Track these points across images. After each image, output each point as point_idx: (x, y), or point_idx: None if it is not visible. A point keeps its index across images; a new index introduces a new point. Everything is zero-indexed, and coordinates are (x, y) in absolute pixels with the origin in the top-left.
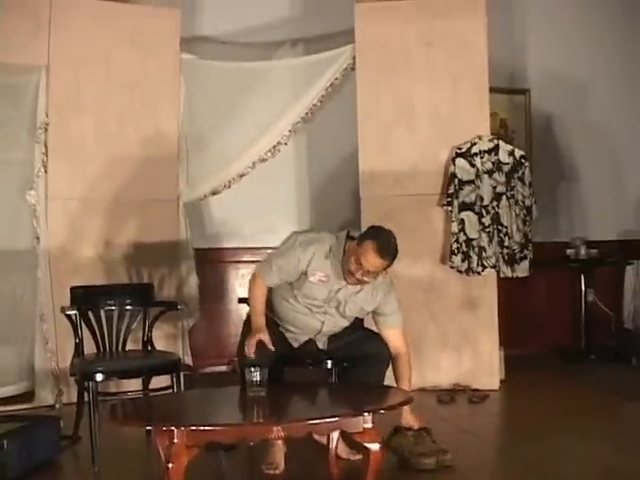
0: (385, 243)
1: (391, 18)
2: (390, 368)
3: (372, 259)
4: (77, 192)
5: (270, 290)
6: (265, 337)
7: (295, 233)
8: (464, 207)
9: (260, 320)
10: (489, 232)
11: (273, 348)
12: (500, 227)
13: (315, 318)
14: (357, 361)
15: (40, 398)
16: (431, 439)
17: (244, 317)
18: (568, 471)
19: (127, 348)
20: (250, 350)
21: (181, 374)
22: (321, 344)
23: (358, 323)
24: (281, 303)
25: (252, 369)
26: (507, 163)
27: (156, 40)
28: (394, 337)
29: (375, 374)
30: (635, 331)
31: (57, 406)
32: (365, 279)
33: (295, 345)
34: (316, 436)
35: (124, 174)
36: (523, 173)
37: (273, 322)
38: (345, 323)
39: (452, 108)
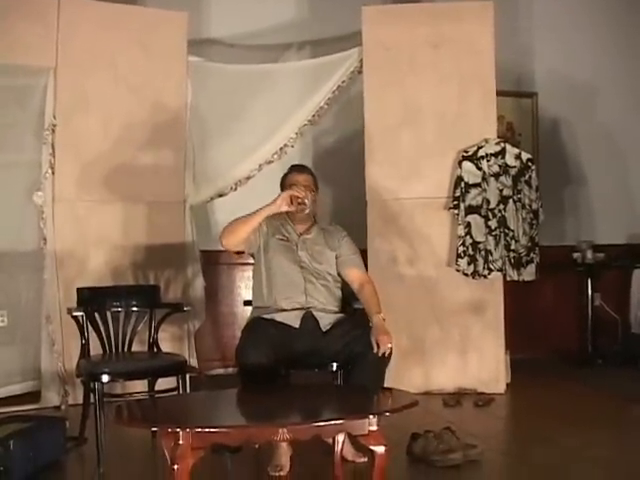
0: (297, 166)
1: (398, 21)
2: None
3: (296, 177)
4: (84, 194)
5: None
6: (288, 192)
7: None
8: (470, 210)
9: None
10: (495, 235)
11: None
12: (507, 230)
13: (296, 276)
14: (357, 358)
15: (46, 399)
16: (455, 436)
17: (248, 320)
18: (574, 475)
19: (133, 349)
20: (287, 202)
21: (187, 376)
22: (324, 322)
23: (361, 320)
24: (260, 280)
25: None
26: (514, 166)
27: (164, 42)
28: (356, 274)
29: (375, 374)
30: None
31: (63, 407)
32: (306, 200)
33: (296, 325)
34: None
35: (131, 176)
36: (530, 176)
37: (265, 320)
38: (327, 283)
39: (459, 111)
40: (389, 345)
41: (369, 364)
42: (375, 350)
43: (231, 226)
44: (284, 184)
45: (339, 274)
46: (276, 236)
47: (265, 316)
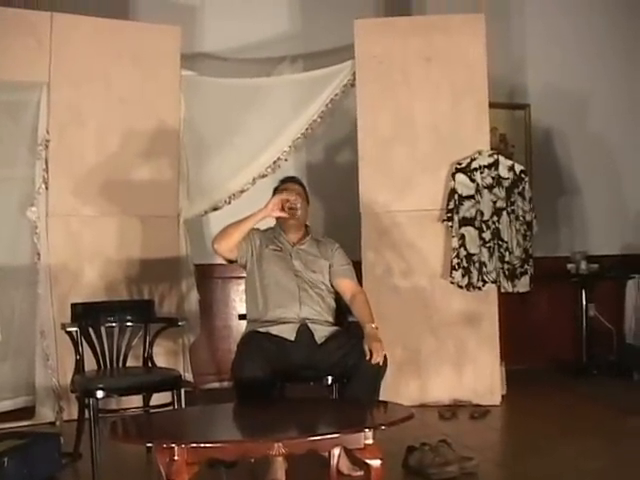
0: (288, 177)
1: (390, 34)
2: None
3: (287, 186)
4: (78, 209)
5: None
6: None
7: None
8: (464, 222)
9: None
10: (490, 247)
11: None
12: (500, 242)
13: (291, 284)
14: (353, 370)
15: (41, 415)
16: (451, 449)
17: (243, 334)
18: None
19: (128, 364)
20: (278, 208)
21: (182, 391)
22: (319, 334)
23: (356, 332)
24: (255, 292)
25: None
26: (507, 178)
27: (157, 57)
28: (348, 285)
29: (370, 386)
30: (637, 345)
31: (58, 423)
32: (297, 204)
33: (292, 337)
34: None
35: (125, 190)
36: (523, 188)
37: (260, 334)
38: (321, 292)
39: (452, 123)
40: (382, 353)
41: (364, 376)
42: (368, 357)
43: (224, 231)
44: (275, 194)
45: (331, 284)
46: (270, 247)
47: (260, 330)
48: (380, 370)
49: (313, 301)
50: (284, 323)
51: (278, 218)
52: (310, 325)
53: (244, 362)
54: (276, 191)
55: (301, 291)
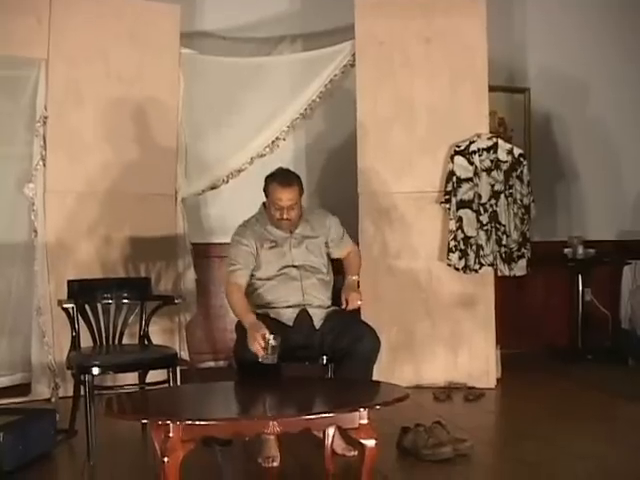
0: (283, 175)
1: (391, 15)
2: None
3: (281, 193)
4: (75, 186)
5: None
6: (264, 331)
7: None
8: (462, 205)
9: (251, 317)
10: (487, 230)
11: (275, 340)
12: (498, 225)
13: (293, 276)
14: (345, 350)
15: (36, 391)
16: (445, 431)
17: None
18: (563, 470)
19: (124, 342)
20: (257, 347)
21: (177, 369)
22: (317, 318)
23: (350, 312)
24: (254, 285)
25: (271, 336)
26: (506, 161)
27: (156, 35)
28: (347, 250)
29: (364, 367)
30: (632, 331)
31: (53, 399)
32: (290, 216)
33: (290, 323)
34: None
35: (122, 168)
36: (521, 172)
37: (258, 315)
38: (323, 276)
39: (451, 106)
40: (358, 302)
41: (357, 358)
42: (344, 306)
43: (230, 303)
44: (267, 192)
45: (329, 254)
46: (265, 246)
47: (258, 311)
48: (373, 351)
49: (315, 288)
50: (283, 308)
51: (270, 217)
52: (310, 310)
53: (246, 344)
54: (268, 188)
55: (304, 280)
